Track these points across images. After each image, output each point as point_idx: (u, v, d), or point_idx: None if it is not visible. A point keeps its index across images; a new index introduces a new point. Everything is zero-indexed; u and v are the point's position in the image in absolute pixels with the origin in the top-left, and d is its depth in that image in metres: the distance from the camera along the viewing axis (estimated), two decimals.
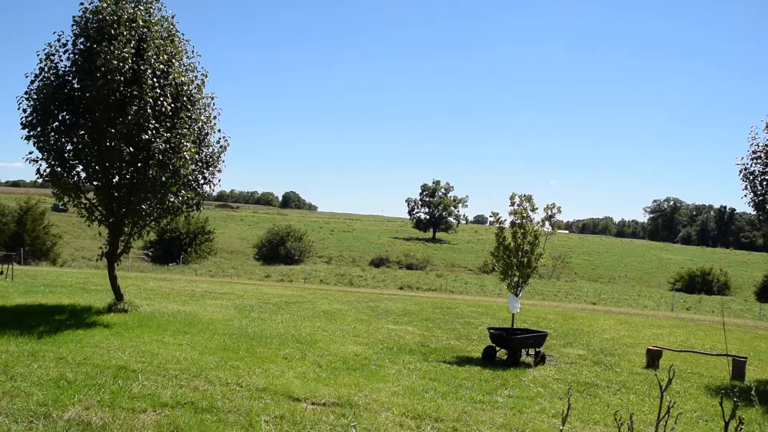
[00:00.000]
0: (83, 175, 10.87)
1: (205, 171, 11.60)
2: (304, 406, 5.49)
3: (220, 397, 5.57)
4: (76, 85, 10.39)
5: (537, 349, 9.01)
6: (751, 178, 9.97)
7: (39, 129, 10.23)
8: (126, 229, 11.41)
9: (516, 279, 9.83)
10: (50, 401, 5.10)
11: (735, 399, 2.39)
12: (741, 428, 2.25)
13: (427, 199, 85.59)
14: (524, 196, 9.93)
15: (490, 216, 10.77)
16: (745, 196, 10.17)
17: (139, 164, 10.49)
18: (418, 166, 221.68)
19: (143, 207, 10.88)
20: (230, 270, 40.19)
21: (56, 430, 4.51)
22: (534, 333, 9.23)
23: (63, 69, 10.52)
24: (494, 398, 6.46)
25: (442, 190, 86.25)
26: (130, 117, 9.88)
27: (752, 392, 2.95)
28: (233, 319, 11.18)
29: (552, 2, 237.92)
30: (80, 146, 10.37)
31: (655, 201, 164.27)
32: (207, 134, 11.52)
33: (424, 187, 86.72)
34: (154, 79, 10.35)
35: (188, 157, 10.67)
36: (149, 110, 10.08)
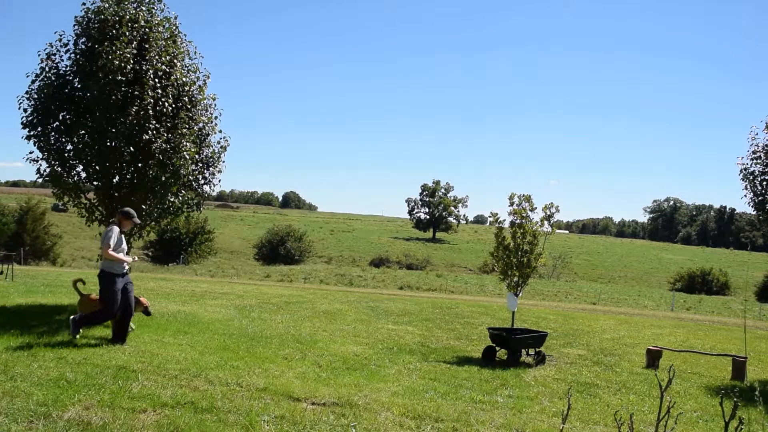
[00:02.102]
0: (83, 175, 10.85)
1: (205, 171, 11.60)
2: (304, 406, 5.49)
3: (220, 397, 5.57)
4: (77, 85, 10.39)
5: (537, 349, 9.01)
6: (751, 178, 9.97)
7: (39, 129, 10.23)
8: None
9: (516, 279, 9.84)
10: (50, 401, 5.10)
11: (735, 399, 2.39)
12: (741, 428, 2.25)
13: (427, 199, 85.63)
14: (523, 196, 9.93)
15: (489, 216, 10.78)
16: (745, 196, 10.17)
17: (140, 164, 10.48)
18: (418, 166, 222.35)
19: (143, 207, 10.87)
20: (230, 270, 40.20)
21: (56, 430, 4.52)
22: (534, 333, 9.22)
23: (64, 69, 10.52)
24: (494, 398, 6.46)
25: (442, 190, 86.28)
26: (130, 117, 9.88)
27: (756, 392, 2.95)
28: (233, 319, 11.18)
29: (552, 2, 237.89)
30: (80, 146, 10.37)
31: (655, 201, 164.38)
32: (208, 134, 11.52)
33: (424, 187, 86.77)
34: (156, 80, 10.35)
35: (188, 158, 10.67)
36: (150, 110, 10.08)
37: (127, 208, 8.37)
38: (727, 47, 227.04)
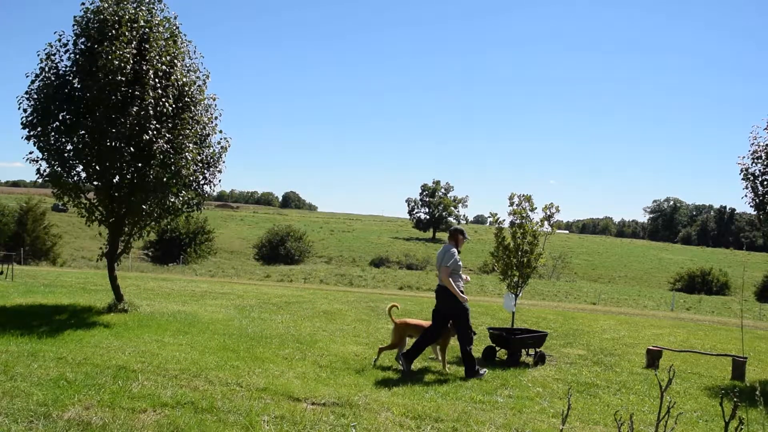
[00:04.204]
0: (83, 175, 10.86)
1: (205, 171, 11.60)
2: (304, 406, 5.49)
3: (220, 397, 5.57)
4: (76, 85, 10.38)
5: (537, 349, 9.01)
6: (752, 178, 9.92)
7: (39, 129, 10.22)
8: (126, 229, 11.40)
9: (516, 279, 9.84)
10: (50, 401, 5.10)
11: (735, 399, 2.39)
12: (741, 428, 2.25)
13: (427, 199, 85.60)
14: (523, 196, 9.92)
15: (489, 216, 10.77)
16: (746, 196, 10.12)
17: (140, 164, 10.48)
18: (418, 166, 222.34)
19: (144, 207, 10.87)
20: (230, 270, 40.19)
21: (56, 430, 4.52)
22: (534, 333, 9.22)
23: (64, 69, 10.52)
24: (494, 398, 6.46)
25: (442, 190, 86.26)
26: (131, 117, 9.88)
27: (757, 392, 2.95)
28: (233, 319, 11.18)
29: (552, 2, 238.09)
30: (81, 146, 10.37)
31: (655, 201, 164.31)
32: (208, 135, 11.52)
33: (424, 187, 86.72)
34: (156, 80, 10.34)
35: (190, 158, 10.66)
36: (150, 111, 10.07)
37: (460, 227, 8.00)
38: (727, 47, 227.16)
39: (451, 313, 7.58)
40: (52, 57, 10.46)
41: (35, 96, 10.27)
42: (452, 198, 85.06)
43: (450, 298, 7.52)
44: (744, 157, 10.07)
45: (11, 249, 29.02)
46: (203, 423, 4.83)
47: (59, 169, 10.55)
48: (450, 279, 7.45)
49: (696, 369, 9.38)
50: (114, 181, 10.82)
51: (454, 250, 7.65)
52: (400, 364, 7.58)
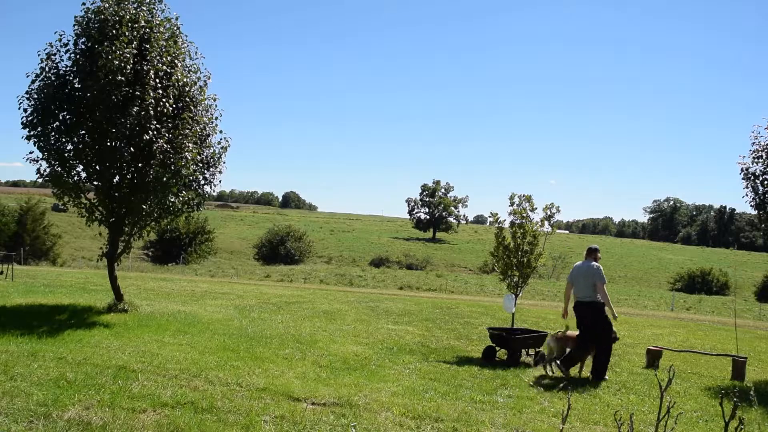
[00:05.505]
0: (83, 175, 10.87)
1: (205, 171, 11.61)
2: (304, 406, 5.50)
3: (220, 397, 5.58)
4: (77, 85, 10.39)
5: (537, 349, 9.01)
6: (753, 178, 9.90)
7: (39, 129, 10.23)
8: (126, 229, 11.41)
9: (516, 279, 9.85)
10: (50, 401, 5.11)
11: (735, 399, 2.39)
12: (741, 428, 2.25)
13: (427, 199, 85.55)
14: (524, 196, 9.93)
15: (490, 216, 10.78)
16: (746, 195, 10.11)
17: (140, 164, 10.49)
18: (418, 166, 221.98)
19: (144, 207, 10.88)
20: (230, 270, 40.18)
21: (56, 430, 4.52)
22: (534, 333, 9.22)
23: (64, 69, 10.52)
24: (494, 398, 6.46)
25: (442, 190, 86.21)
26: (131, 117, 9.88)
27: (751, 392, 2.96)
28: (233, 319, 11.19)
29: (552, 2, 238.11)
30: (81, 146, 10.38)
31: (655, 201, 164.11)
32: (208, 135, 11.52)
33: (424, 187, 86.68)
34: (157, 80, 10.35)
35: (189, 158, 10.67)
36: (151, 111, 10.07)
37: (595, 245, 8.46)
38: (728, 47, 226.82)
39: (596, 326, 7.90)
40: (53, 57, 10.46)
41: (35, 96, 10.28)
42: (452, 198, 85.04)
43: (597, 312, 7.90)
44: (745, 156, 10.06)
45: (11, 249, 29.01)
46: (203, 423, 4.83)
47: (59, 169, 10.56)
48: (608, 293, 7.93)
49: (696, 369, 9.38)
50: (114, 181, 10.82)
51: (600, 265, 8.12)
52: (558, 369, 8.09)
